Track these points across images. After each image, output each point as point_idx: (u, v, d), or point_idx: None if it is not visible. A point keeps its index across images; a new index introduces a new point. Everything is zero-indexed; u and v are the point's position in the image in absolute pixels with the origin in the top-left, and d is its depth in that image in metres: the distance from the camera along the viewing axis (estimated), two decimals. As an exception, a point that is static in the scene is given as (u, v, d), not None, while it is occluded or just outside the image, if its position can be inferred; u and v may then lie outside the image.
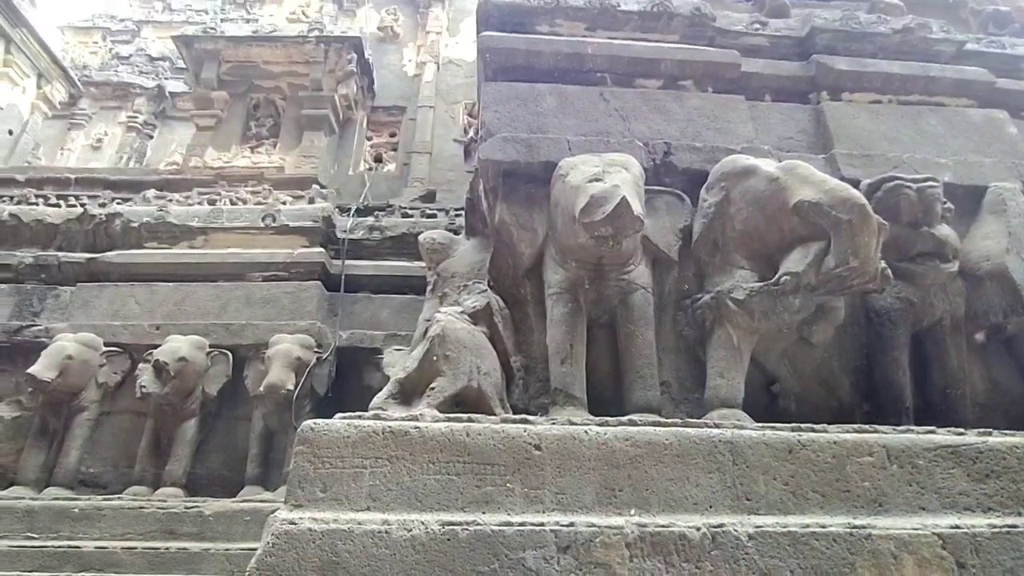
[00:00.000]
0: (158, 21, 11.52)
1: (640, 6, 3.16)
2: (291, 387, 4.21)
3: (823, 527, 1.64)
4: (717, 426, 1.90)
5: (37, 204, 5.66)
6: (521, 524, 1.63)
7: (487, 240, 2.97)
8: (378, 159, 6.83)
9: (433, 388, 2.09)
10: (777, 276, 2.09)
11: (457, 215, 5.57)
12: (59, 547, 3.68)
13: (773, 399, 2.45)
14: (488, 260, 2.71)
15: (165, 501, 3.98)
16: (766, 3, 3.45)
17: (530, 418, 1.94)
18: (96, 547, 3.69)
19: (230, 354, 4.53)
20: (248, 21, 9.79)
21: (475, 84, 6.86)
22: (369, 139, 6.90)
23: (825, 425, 1.92)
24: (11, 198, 5.69)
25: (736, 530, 1.62)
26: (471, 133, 6.71)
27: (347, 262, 5.20)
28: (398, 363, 4.51)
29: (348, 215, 5.50)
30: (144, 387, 4.23)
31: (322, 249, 5.14)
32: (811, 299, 2.14)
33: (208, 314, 4.76)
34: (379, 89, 7.01)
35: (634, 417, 1.98)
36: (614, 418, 1.94)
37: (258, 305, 4.82)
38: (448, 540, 1.60)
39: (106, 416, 4.52)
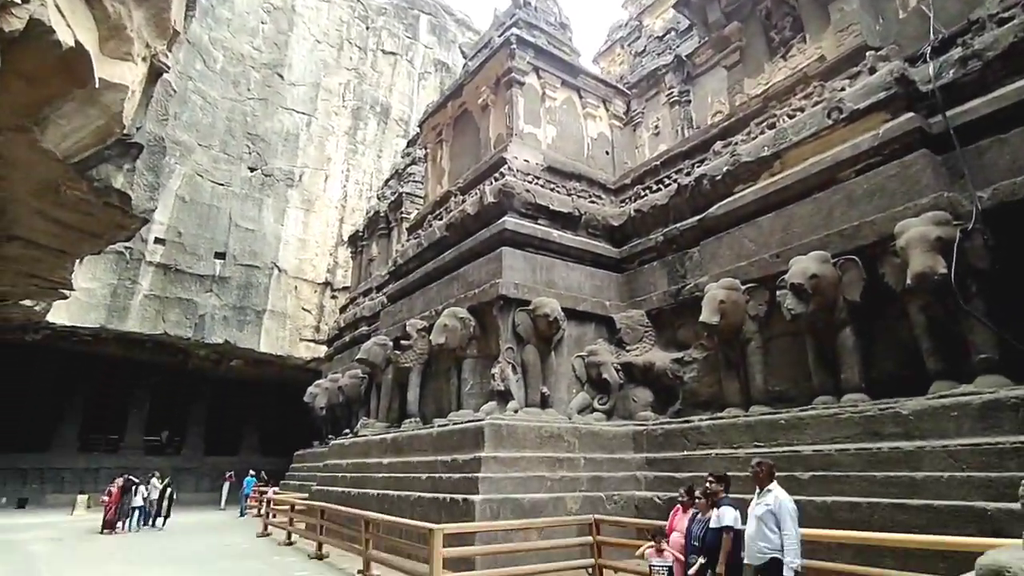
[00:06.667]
0: (649, 4, 12.78)
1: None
2: (943, 270, 3.75)
3: None
4: None
5: (645, 195, 7.07)
6: None
7: None
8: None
9: None
10: None
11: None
12: (783, 451, 4.35)
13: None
14: None
15: (856, 406, 4.15)
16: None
17: None
18: (813, 450, 4.19)
19: (856, 258, 4.41)
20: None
21: None
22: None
23: None
24: (630, 198, 7.30)
25: None
26: None
27: (948, 112, 4.32)
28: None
29: (925, 61, 4.58)
30: (791, 309, 4.57)
31: (911, 113, 4.43)
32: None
33: (817, 228, 4.78)
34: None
35: None
36: None
37: (863, 201, 4.53)
38: None
39: (769, 342, 5.11)
